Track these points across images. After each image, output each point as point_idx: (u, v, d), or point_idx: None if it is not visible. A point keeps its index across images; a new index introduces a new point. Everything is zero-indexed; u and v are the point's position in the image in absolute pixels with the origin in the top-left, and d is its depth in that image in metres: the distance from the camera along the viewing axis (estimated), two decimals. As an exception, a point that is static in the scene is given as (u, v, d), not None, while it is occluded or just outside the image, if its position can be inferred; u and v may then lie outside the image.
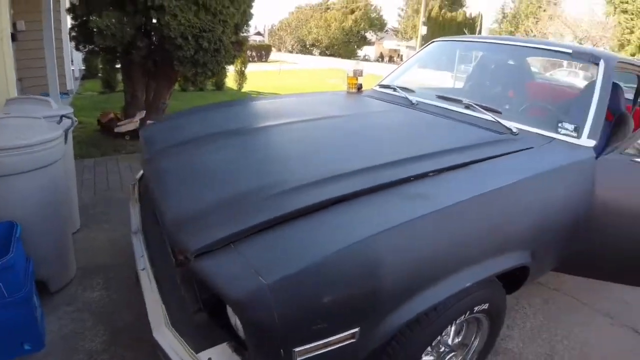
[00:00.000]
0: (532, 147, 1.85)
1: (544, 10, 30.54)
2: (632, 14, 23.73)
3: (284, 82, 14.70)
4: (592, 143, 1.93)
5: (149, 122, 4.69)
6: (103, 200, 3.47)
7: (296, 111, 2.41)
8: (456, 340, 1.71)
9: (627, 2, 24.06)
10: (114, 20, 4.13)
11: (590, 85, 2.61)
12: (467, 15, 37.52)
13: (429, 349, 1.53)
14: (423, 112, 2.34)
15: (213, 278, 1.04)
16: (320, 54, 41.60)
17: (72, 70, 9.25)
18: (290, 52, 42.38)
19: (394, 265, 1.15)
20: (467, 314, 1.46)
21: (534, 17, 31.93)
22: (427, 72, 3.60)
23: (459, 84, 4.01)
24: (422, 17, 33.55)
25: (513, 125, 2.02)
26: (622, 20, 24.13)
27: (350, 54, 39.37)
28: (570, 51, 2.42)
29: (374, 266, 1.12)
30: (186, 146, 1.84)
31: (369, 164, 1.50)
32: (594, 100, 2.11)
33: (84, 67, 10.95)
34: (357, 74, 3.01)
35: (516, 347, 2.21)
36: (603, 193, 1.81)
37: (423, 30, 32.49)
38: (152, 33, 4.70)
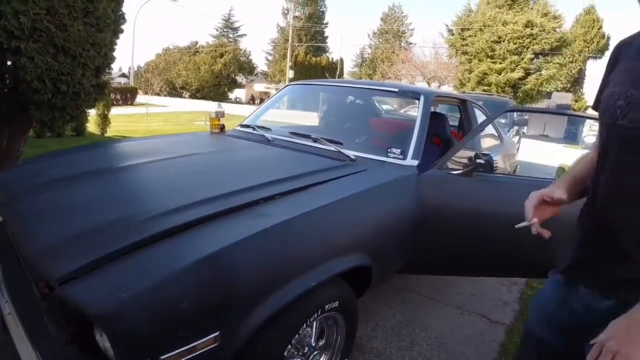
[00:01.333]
0: (365, 170, 2.22)
1: (397, 55, 34.07)
2: (471, 55, 27.72)
3: (150, 125, 14.26)
4: (415, 162, 2.34)
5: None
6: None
7: (158, 151, 2.53)
8: (321, 343, 1.92)
9: (467, 45, 28.10)
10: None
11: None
12: (330, 59, 40.38)
13: (293, 350, 1.73)
14: (276, 147, 2.62)
15: (78, 300, 1.13)
16: (191, 96, 41.09)
17: None
18: (159, 94, 41.25)
19: (242, 273, 1.34)
20: (319, 312, 1.68)
21: (389, 61, 35.51)
22: (297, 112, 3.97)
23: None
24: (289, 62, 35.48)
25: (352, 153, 2.38)
26: (463, 60, 28.05)
27: (222, 97, 39.59)
28: (397, 90, 2.92)
29: (224, 275, 1.30)
30: (47, 187, 1.86)
31: (224, 191, 1.71)
32: (415, 128, 2.55)
33: None
34: (219, 115, 3.22)
35: (380, 344, 2.46)
36: (427, 201, 2.18)
37: (290, 74, 34.32)
38: (6, 76, 4.43)
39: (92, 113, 9.41)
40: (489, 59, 26.90)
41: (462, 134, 3.82)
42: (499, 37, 26.83)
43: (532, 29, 26.19)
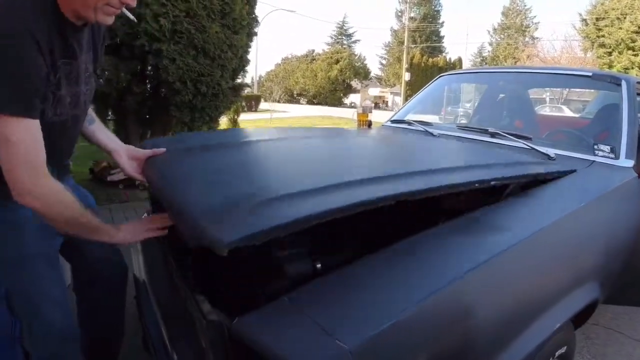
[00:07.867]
0: (575, 171, 1.72)
1: (522, 51, 31.28)
2: (610, 47, 24.36)
3: (275, 130, 14.70)
4: (630, 163, 1.86)
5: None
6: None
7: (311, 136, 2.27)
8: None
9: (603, 36, 24.74)
10: (108, 65, 4.05)
11: (609, 108, 2.55)
12: (448, 60, 38.68)
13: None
14: (451, 141, 2.17)
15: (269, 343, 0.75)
16: (308, 102, 42.39)
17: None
18: (278, 101, 43.08)
19: (485, 311, 0.95)
20: (548, 362, 1.26)
21: (513, 58, 32.89)
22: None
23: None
24: (404, 64, 34.76)
25: (550, 151, 1.89)
26: (601, 54, 24.74)
27: (337, 102, 40.21)
28: (590, 74, 2.37)
29: (464, 314, 0.91)
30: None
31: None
32: (623, 119, 2.03)
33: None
34: (367, 110, 2.91)
35: (576, 391, 2.01)
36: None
37: (407, 76, 33.55)
38: (147, 79, 4.64)
39: (222, 119, 9.88)
40: (629, 51, 23.38)
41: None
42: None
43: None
